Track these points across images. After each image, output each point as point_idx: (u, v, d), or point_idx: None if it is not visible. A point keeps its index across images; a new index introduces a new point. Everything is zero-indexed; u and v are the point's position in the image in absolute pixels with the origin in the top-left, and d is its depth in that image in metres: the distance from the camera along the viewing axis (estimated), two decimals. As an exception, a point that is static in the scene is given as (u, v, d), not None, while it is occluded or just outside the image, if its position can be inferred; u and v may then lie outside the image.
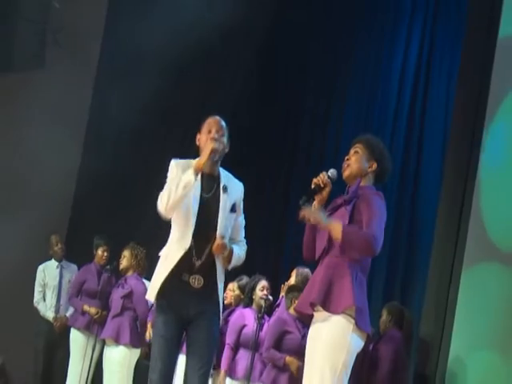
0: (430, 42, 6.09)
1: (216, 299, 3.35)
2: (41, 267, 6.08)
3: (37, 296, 6.04)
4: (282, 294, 4.74)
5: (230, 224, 3.36)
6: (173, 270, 3.27)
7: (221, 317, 3.48)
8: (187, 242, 3.28)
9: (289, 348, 4.31)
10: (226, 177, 3.38)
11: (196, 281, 3.30)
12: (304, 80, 6.50)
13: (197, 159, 3.30)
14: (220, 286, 3.35)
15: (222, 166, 3.37)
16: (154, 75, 6.08)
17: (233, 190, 3.38)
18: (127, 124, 5.99)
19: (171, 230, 3.36)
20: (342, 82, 6.35)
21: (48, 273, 6.09)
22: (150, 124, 6.16)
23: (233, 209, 3.38)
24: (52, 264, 6.08)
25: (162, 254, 3.37)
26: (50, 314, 5.98)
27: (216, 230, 3.30)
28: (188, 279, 3.28)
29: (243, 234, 3.44)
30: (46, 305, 6.01)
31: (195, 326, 3.34)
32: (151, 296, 3.36)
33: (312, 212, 3.02)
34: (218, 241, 3.26)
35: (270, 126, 6.45)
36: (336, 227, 2.99)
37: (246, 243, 3.44)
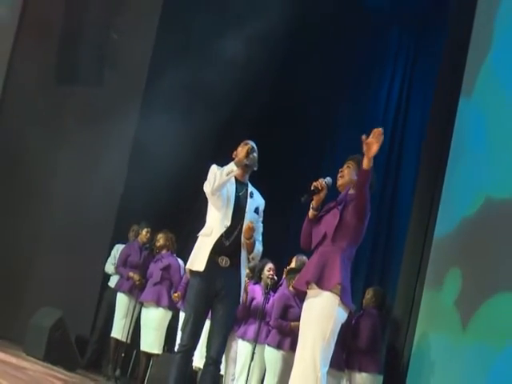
0: (407, 88, 6.42)
1: (238, 279, 3.44)
2: (116, 247, 6.25)
3: (108, 262, 6.22)
4: (284, 276, 4.83)
5: (254, 221, 3.45)
6: (215, 244, 3.34)
7: (241, 294, 3.51)
8: (228, 220, 3.40)
9: (292, 318, 4.40)
10: (252, 187, 3.59)
11: (224, 261, 3.38)
12: (308, 110, 6.79)
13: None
14: (243, 269, 3.45)
15: (250, 178, 3.58)
16: (191, 98, 6.18)
17: (256, 198, 3.56)
18: (168, 136, 5.94)
19: (208, 216, 3.45)
20: (336, 119, 6.65)
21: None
22: (187, 137, 6.05)
23: (256, 211, 3.51)
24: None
25: (203, 233, 3.43)
26: (113, 271, 6.14)
27: (242, 219, 3.42)
28: (217, 259, 3.37)
29: (261, 236, 3.54)
30: (113, 268, 6.15)
31: (220, 300, 3.41)
32: (200, 266, 3.35)
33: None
34: (249, 224, 3.38)
35: (283, 148, 6.66)
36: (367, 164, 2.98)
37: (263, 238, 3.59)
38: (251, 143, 3.52)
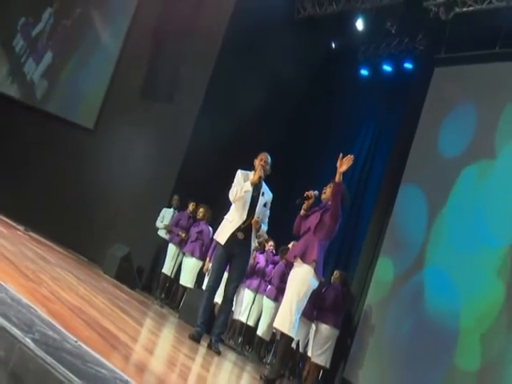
0: (373, 149, 7.13)
1: (249, 247, 3.86)
2: (164, 210, 6.72)
3: (158, 220, 6.70)
4: (279, 252, 5.40)
5: (262, 212, 3.85)
6: (235, 229, 3.78)
7: (250, 256, 3.96)
8: (244, 216, 3.80)
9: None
10: (264, 187, 3.92)
11: (240, 234, 3.77)
12: (307, 143, 7.40)
13: (252, 174, 3.83)
14: (252, 241, 3.85)
15: (271, 176, 3.92)
16: (232, 116, 6.55)
17: (266, 195, 3.91)
18: (215, 145, 6.33)
19: (232, 207, 3.83)
20: (324, 153, 7.09)
21: (166, 213, 6.70)
22: (230, 143, 6.45)
23: (265, 205, 3.87)
24: (170, 210, 6.73)
25: (227, 218, 3.84)
26: (161, 226, 6.61)
27: (254, 212, 3.79)
28: (236, 233, 3.78)
29: (267, 219, 3.91)
30: (161, 224, 6.64)
31: (236, 260, 3.81)
32: (222, 240, 3.78)
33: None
34: (255, 218, 3.80)
35: (288, 166, 7.02)
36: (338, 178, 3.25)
37: (269, 224, 3.99)
38: (266, 157, 3.84)
